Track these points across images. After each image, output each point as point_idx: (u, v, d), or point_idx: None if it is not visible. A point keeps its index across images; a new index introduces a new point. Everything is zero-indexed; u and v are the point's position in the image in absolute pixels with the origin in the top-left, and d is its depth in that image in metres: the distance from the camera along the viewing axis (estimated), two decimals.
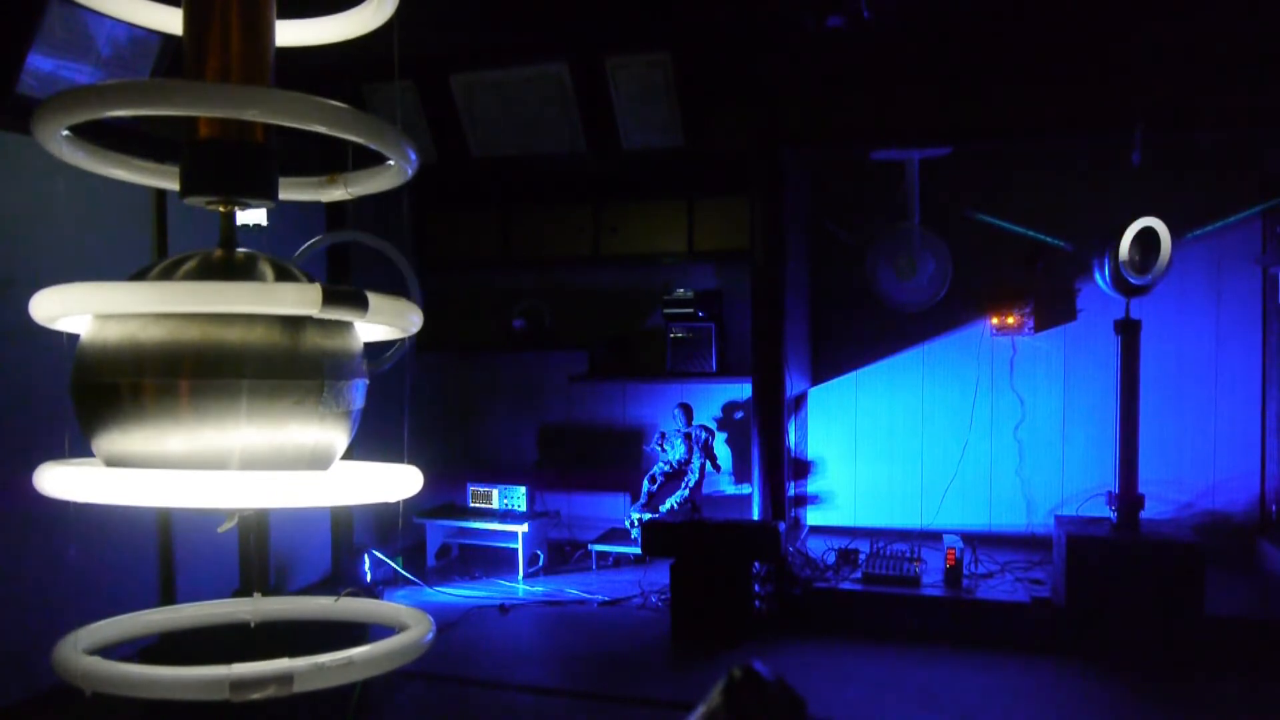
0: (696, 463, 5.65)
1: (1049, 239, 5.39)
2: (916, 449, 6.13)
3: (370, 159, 1.83)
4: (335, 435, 1.69)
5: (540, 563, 5.97)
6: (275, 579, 4.89)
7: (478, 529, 5.94)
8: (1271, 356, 5.49)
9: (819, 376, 6.28)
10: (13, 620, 3.72)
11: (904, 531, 5.87)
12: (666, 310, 6.02)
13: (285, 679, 1.50)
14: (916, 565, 4.96)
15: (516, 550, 5.82)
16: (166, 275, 1.60)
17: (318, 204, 2.41)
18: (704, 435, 5.67)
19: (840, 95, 5.13)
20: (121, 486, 1.50)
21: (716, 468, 5.74)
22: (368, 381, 1.77)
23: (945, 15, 4.71)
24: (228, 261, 1.67)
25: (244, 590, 3.40)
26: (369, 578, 5.41)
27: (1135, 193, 5.32)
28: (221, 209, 1.72)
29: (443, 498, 6.29)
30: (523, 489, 5.97)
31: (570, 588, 5.55)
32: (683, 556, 4.76)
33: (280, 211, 1.96)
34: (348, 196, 1.94)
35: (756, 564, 4.85)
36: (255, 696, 1.48)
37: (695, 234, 6.02)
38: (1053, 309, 5.85)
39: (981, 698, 3.98)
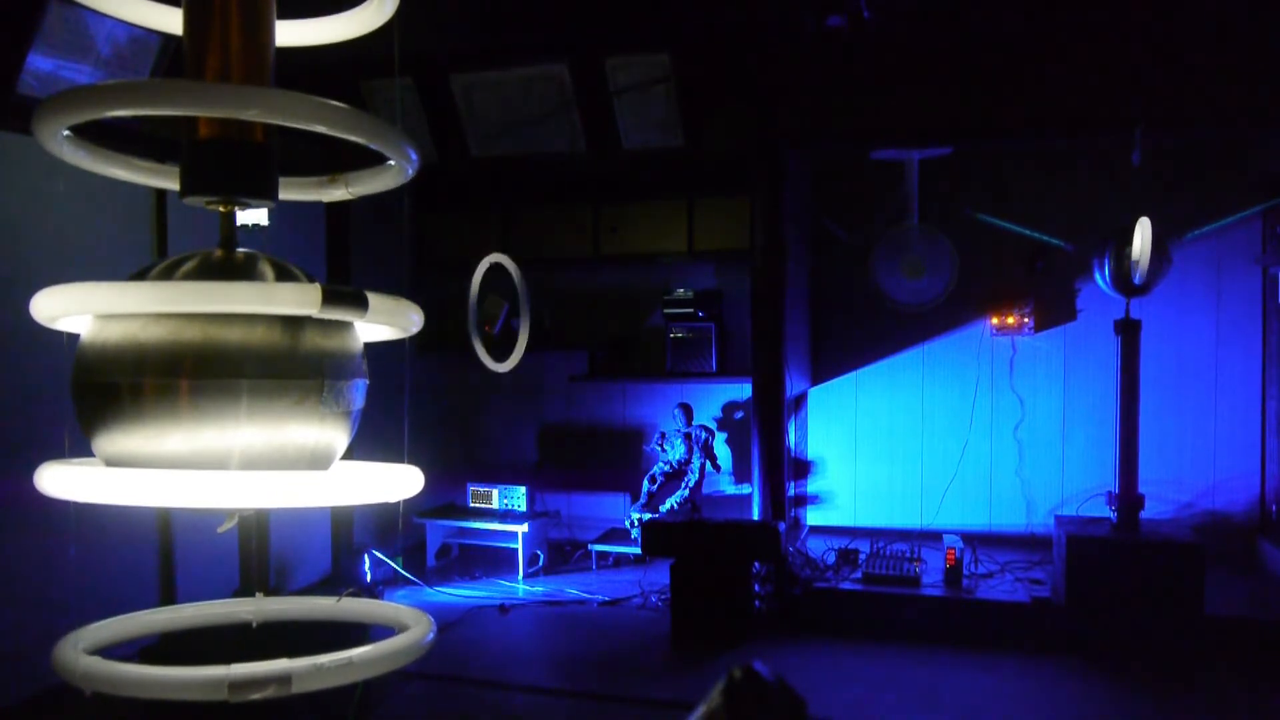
0: (696, 463, 5.65)
1: (1049, 239, 5.39)
2: (916, 449, 6.13)
3: (371, 159, 1.83)
4: (335, 435, 1.69)
5: (540, 563, 5.97)
6: (275, 579, 4.89)
7: (478, 529, 5.94)
8: (1271, 356, 5.49)
9: (819, 376, 6.28)
10: (13, 620, 3.72)
11: (904, 531, 5.87)
12: (666, 310, 6.02)
13: (284, 680, 1.50)
14: (916, 565, 4.96)
15: (516, 550, 5.81)
16: (166, 275, 1.60)
17: (318, 204, 2.41)
18: (704, 435, 5.67)
19: (840, 95, 5.13)
20: (121, 486, 1.50)
21: (716, 468, 5.74)
22: (368, 381, 1.77)
23: (945, 15, 4.72)
24: (228, 261, 1.67)
25: (244, 590, 3.41)
26: (369, 578, 5.41)
27: (1135, 193, 5.32)
28: (221, 209, 1.72)
29: (443, 498, 6.29)
30: (523, 489, 5.97)
31: (570, 588, 5.55)
32: (683, 556, 4.76)
33: (280, 211, 1.96)
34: (348, 196, 1.94)
35: (756, 564, 4.85)
36: (254, 697, 1.48)
37: (695, 234, 6.01)
38: (1053, 309, 5.85)
39: (981, 698, 3.98)
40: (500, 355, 3.98)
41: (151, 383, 1.52)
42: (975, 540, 5.35)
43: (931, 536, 5.53)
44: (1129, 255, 4.53)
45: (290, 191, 1.90)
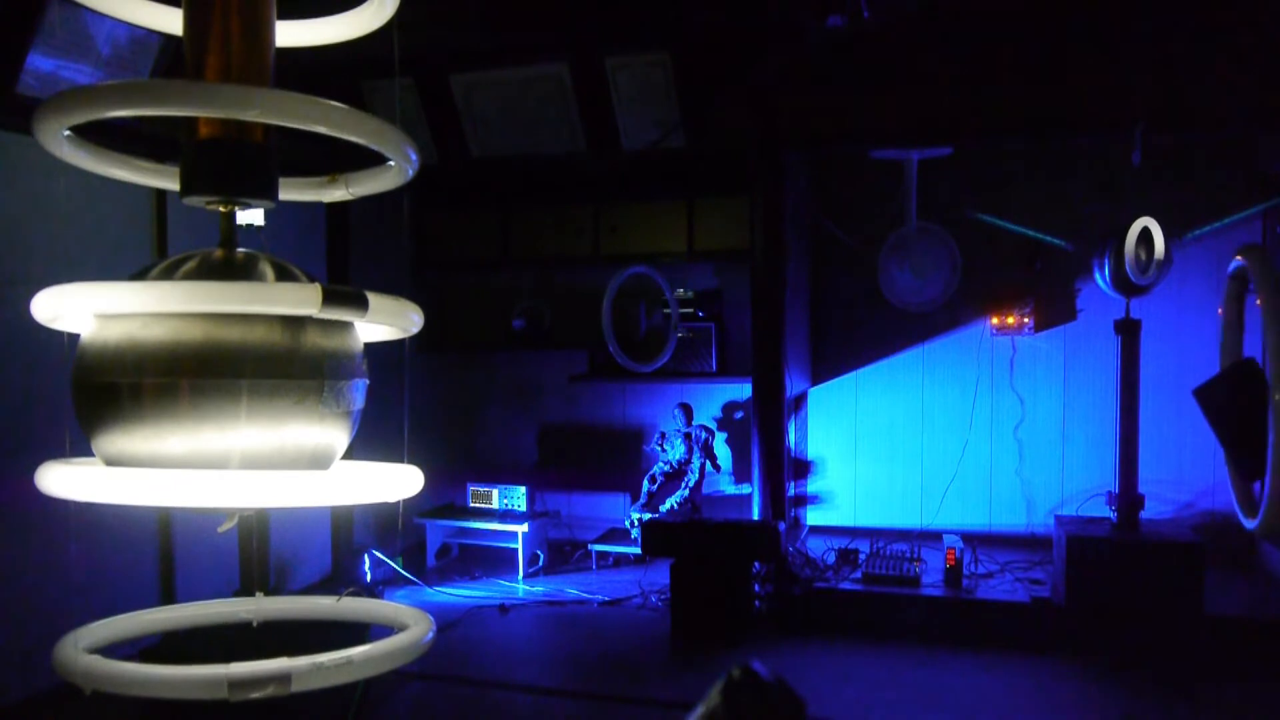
0: (696, 463, 5.65)
1: (1049, 239, 5.39)
2: (916, 449, 6.13)
3: (371, 159, 1.83)
4: (335, 435, 1.69)
5: (540, 563, 5.97)
6: (275, 579, 4.90)
7: (478, 529, 5.94)
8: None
9: (819, 376, 6.28)
10: (13, 620, 3.72)
11: (904, 531, 5.87)
12: (667, 310, 6.02)
13: (283, 678, 1.51)
14: (916, 565, 4.96)
15: (516, 550, 5.81)
16: (166, 275, 1.60)
17: (318, 204, 2.42)
18: (704, 435, 5.67)
19: (840, 95, 5.13)
20: (121, 486, 1.50)
21: (716, 468, 5.74)
22: (368, 381, 1.77)
23: (945, 15, 4.71)
24: (228, 261, 1.67)
25: (244, 590, 3.41)
26: (369, 578, 5.42)
27: (1135, 193, 5.32)
28: (221, 209, 1.72)
29: (443, 498, 6.29)
30: (523, 489, 5.97)
31: (570, 588, 5.55)
32: (683, 556, 4.76)
33: (280, 211, 1.96)
34: (348, 196, 1.95)
35: (756, 564, 4.85)
36: (253, 696, 1.48)
37: (695, 234, 6.01)
38: (1053, 309, 5.85)
39: (981, 697, 3.98)
40: (640, 357, 4.34)
41: (151, 383, 1.52)
42: (975, 540, 5.35)
43: (931, 536, 5.53)
44: (1135, 254, 4.52)
45: (290, 191, 1.90)
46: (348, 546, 5.63)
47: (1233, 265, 4.18)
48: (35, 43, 3.69)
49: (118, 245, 4.16)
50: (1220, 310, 4.53)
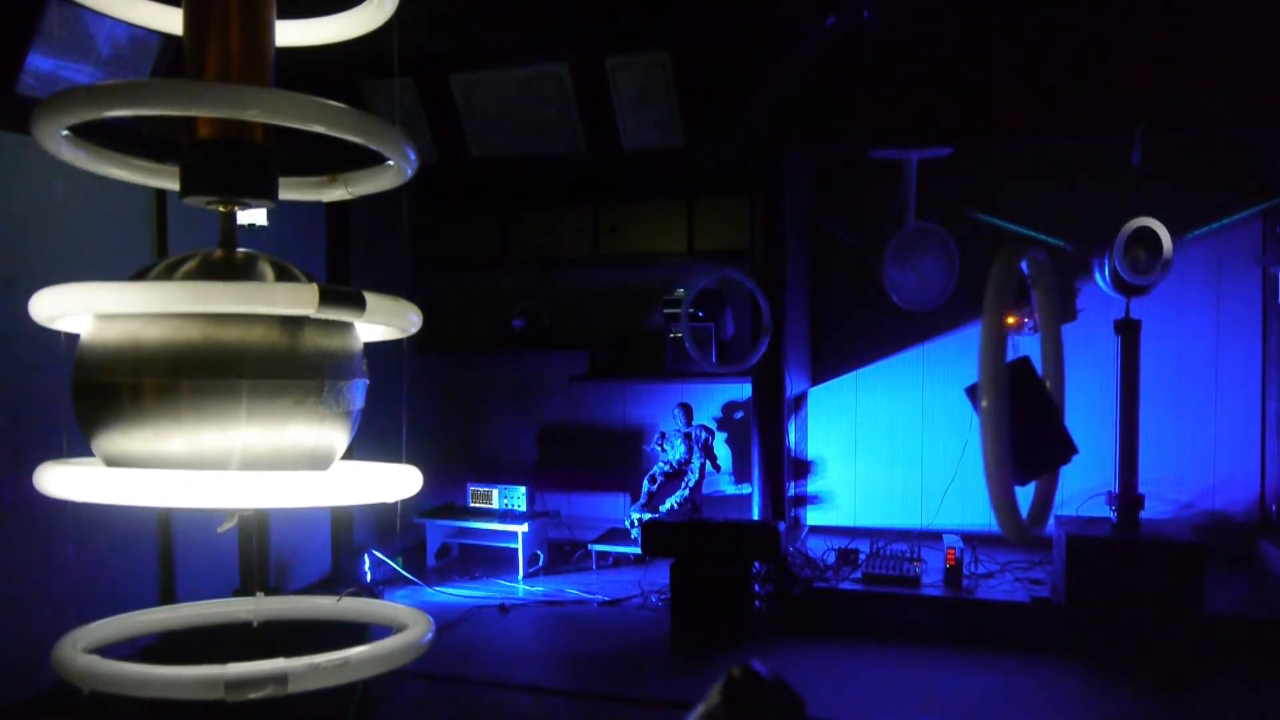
0: (696, 463, 5.65)
1: (1049, 239, 5.38)
2: (916, 449, 6.12)
3: (371, 159, 1.83)
4: (335, 435, 1.69)
5: (540, 563, 5.97)
6: (275, 579, 4.89)
7: (478, 529, 5.94)
8: (1271, 356, 5.49)
9: (819, 376, 6.28)
10: (13, 620, 3.72)
11: (904, 531, 5.86)
12: (666, 310, 6.01)
13: (280, 679, 1.51)
14: (916, 565, 4.96)
15: (516, 550, 5.81)
16: (166, 275, 1.60)
17: (318, 204, 2.42)
18: (704, 435, 5.67)
19: (840, 95, 5.13)
20: (121, 486, 1.50)
21: (716, 468, 5.74)
22: (368, 381, 1.77)
23: (945, 15, 4.72)
24: (228, 261, 1.67)
25: (244, 590, 3.41)
26: (369, 578, 5.41)
27: (1135, 193, 5.31)
28: (221, 209, 1.72)
29: (443, 498, 6.29)
30: (523, 489, 5.96)
31: (570, 588, 5.55)
32: (683, 556, 4.76)
33: (280, 211, 1.96)
34: (348, 196, 1.95)
35: (756, 564, 4.85)
36: (251, 696, 1.48)
37: (695, 234, 6.01)
38: None
39: (981, 698, 3.98)
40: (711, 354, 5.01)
41: (151, 383, 1.52)
42: (975, 540, 5.34)
43: (931, 536, 5.52)
44: (1134, 254, 4.51)
45: (290, 191, 1.90)
46: (348, 546, 5.63)
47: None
48: (35, 43, 3.69)
49: (118, 245, 4.16)
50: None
